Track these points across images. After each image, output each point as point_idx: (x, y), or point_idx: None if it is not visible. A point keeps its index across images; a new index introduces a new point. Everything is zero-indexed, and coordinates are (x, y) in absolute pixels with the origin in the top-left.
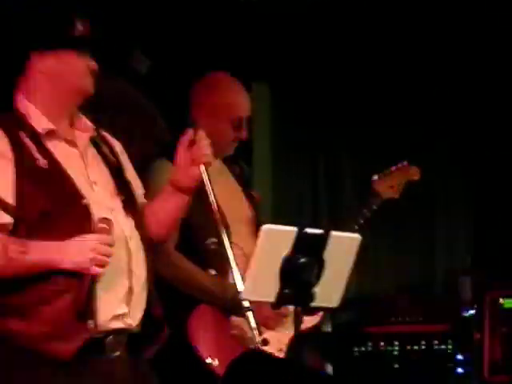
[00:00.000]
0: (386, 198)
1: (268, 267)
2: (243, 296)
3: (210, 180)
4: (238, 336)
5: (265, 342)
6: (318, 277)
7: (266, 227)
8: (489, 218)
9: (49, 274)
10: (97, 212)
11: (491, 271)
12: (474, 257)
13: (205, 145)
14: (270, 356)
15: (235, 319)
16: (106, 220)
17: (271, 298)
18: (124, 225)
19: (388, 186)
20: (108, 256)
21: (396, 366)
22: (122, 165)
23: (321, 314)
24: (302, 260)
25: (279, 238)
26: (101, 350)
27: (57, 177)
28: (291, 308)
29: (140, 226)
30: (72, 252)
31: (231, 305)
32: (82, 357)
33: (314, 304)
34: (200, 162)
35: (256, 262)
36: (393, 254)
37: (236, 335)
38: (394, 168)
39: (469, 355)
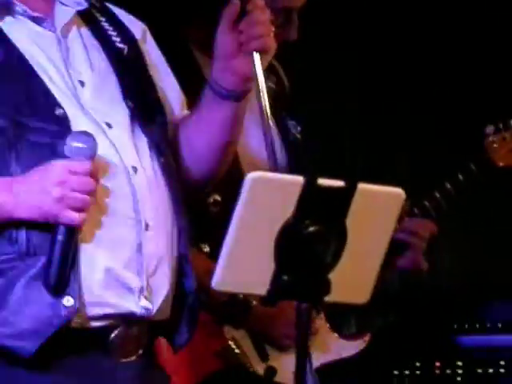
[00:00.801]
0: (503, 165)
1: (256, 240)
2: (215, 286)
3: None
4: (228, 356)
5: (270, 370)
6: (337, 255)
7: (252, 175)
8: None
9: None
10: (79, 127)
11: None
12: None
13: (262, 20)
14: None
15: (230, 330)
16: (84, 136)
17: (261, 290)
18: (125, 147)
19: (508, 148)
20: (88, 192)
21: None
22: (143, 57)
23: (368, 337)
24: (312, 228)
25: (275, 192)
26: (101, 350)
27: (17, 75)
28: (321, 322)
29: (162, 151)
30: (30, 191)
31: (227, 307)
32: (58, 358)
33: (328, 299)
34: (253, 46)
35: (237, 231)
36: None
37: (223, 354)
38: None
39: None
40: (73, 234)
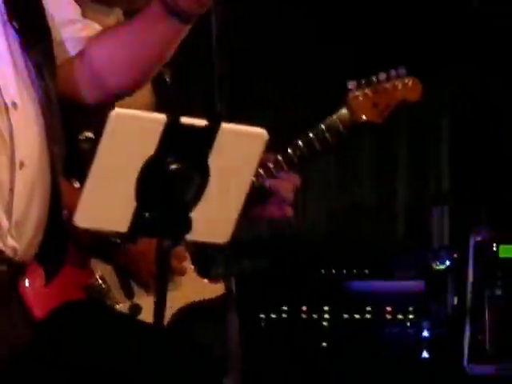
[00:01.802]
0: (363, 121)
1: (118, 177)
2: (76, 222)
3: None
4: (94, 290)
5: (134, 308)
6: (199, 194)
7: (115, 112)
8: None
9: None
10: None
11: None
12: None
13: None
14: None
15: (97, 264)
16: None
17: (122, 227)
18: (6, 82)
19: (370, 103)
20: None
21: (324, 344)
22: None
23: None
24: (174, 166)
25: (137, 129)
26: None
27: None
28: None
29: (43, 75)
30: None
31: (96, 241)
32: None
33: (190, 237)
34: None
35: (99, 167)
36: (334, 180)
37: (89, 287)
38: (383, 76)
39: (441, 332)
40: None
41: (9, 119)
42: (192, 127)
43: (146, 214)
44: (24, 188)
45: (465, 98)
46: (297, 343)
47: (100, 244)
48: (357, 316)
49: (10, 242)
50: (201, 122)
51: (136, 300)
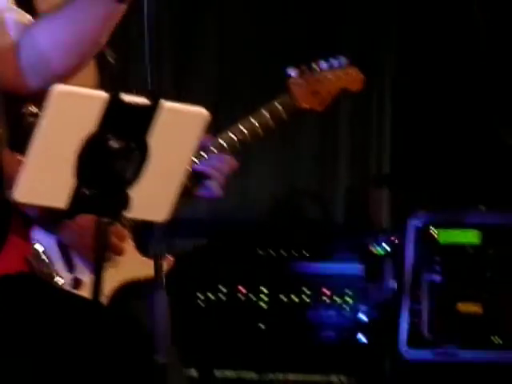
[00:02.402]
0: (304, 107)
1: (59, 153)
2: (15, 196)
3: None
4: (34, 263)
5: (76, 282)
6: (138, 172)
7: (58, 88)
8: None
9: None
10: None
11: (417, 184)
12: (393, 164)
13: None
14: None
15: (40, 236)
16: None
17: (61, 203)
18: None
19: (311, 90)
20: None
21: (261, 325)
22: None
23: (172, 258)
24: (114, 144)
25: (79, 106)
26: None
27: None
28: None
29: None
30: None
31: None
32: None
33: (128, 214)
34: None
35: (40, 143)
36: (271, 161)
37: (31, 260)
38: (324, 64)
39: (378, 316)
40: None
41: None
42: (133, 105)
43: (85, 191)
44: None
45: (406, 82)
46: (234, 324)
47: (43, 216)
48: (294, 298)
49: None
50: (141, 100)
51: (77, 274)
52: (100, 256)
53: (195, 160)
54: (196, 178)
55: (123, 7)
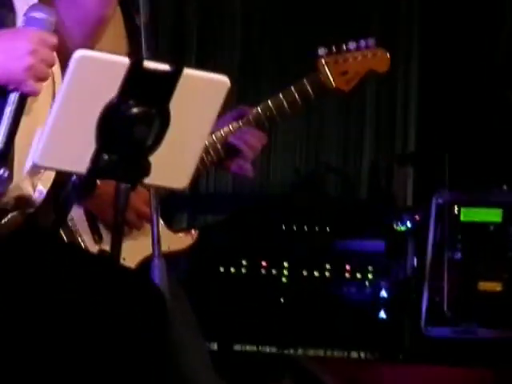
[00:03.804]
0: (331, 88)
1: (80, 118)
2: (36, 160)
3: None
4: (64, 233)
5: (102, 254)
6: (159, 138)
7: (79, 53)
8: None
9: None
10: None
11: (443, 163)
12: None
13: None
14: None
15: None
16: (46, 8)
17: (82, 168)
18: None
19: (339, 70)
20: (51, 65)
21: (282, 300)
22: None
23: (196, 233)
24: (135, 110)
25: (100, 72)
26: None
27: None
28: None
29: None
30: (2, 54)
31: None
32: None
33: (148, 181)
34: None
35: (61, 108)
36: (296, 137)
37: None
38: (353, 45)
39: (399, 293)
40: (24, 103)
41: None
42: (154, 71)
43: (105, 157)
44: None
45: (433, 63)
46: (255, 298)
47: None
48: (316, 273)
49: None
50: (163, 67)
51: (103, 245)
52: (120, 222)
53: (231, 129)
54: (229, 150)
55: None
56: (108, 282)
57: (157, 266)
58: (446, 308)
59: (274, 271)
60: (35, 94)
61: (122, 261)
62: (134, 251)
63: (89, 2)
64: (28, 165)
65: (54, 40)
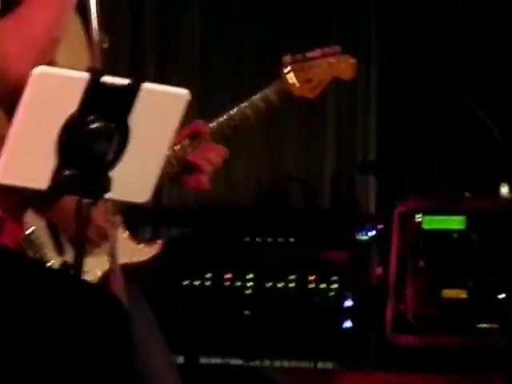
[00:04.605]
0: (296, 95)
1: (40, 134)
2: None
3: None
4: (29, 245)
5: (65, 265)
6: (119, 153)
7: (38, 70)
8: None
9: None
10: None
11: (405, 171)
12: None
13: None
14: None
15: (33, 219)
16: None
17: (42, 184)
18: None
19: (304, 78)
20: None
21: (246, 312)
22: None
23: (160, 244)
24: (95, 124)
25: (60, 87)
26: None
27: None
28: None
29: None
30: None
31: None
32: None
33: (109, 195)
34: None
35: (21, 123)
36: (258, 148)
37: (25, 243)
38: (318, 52)
39: (363, 302)
40: None
41: None
42: (113, 85)
43: (66, 172)
44: None
45: (392, 70)
46: (220, 310)
47: (34, 198)
48: (280, 284)
49: None
50: (122, 81)
51: (66, 257)
52: (81, 237)
53: (188, 147)
54: (186, 166)
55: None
56: (71, 297)
57: (115, 279)
58: (410, 316)
59: (238, 283)
60: None
61: (84, 274)
62: (95, 266)
63: (35, 31)
64: None
65: None
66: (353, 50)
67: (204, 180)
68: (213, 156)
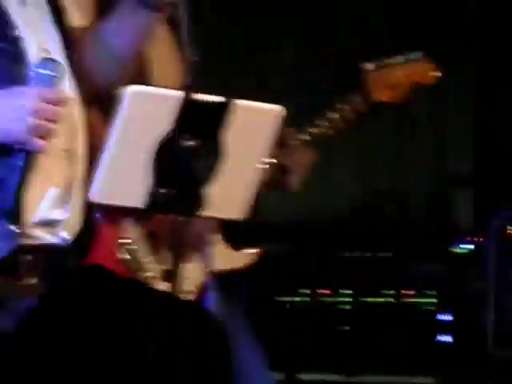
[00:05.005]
0: (379, 100)
1: (134, 153)
2: (91, 197)
3: None
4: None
5: (168, 275)
6: (214, 170)
7: (132, 88)
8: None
9: None
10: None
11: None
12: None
13: None
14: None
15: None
16: (53, 63)
17: (138, 202)
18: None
19: (386, 83)
20: (55, 121)
21: (346, 327)
22: None
23: (258, 250)
24: (189, 143)
25: (153, 106)
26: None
27: None
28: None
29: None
30: (3, 116)
31: None
32: None
33: (205, 213)
34: None
35: (116, 143)
36: (351, 164)
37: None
38: (401, 58)
39: (461, 316)
40: (32, 160)
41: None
42: (208, 103)
43: (161, 190)
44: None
45: (490, 76)
46: (318, 326)
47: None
48: (380, 299)
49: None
50: (215, 98)
51: (165, 266)
52: (177, 255)
53: (277, 154)
54: (278, 171)
55: (158, 17)
56: (170, 317)
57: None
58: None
59: (335, 298)
60: (41, 151)
61: (183, 281)
62: (194, 273)
63: (116, 44)
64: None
65: (57, 95)
66: (445, 60)
67: (295, 181)
68: (302, 159)
